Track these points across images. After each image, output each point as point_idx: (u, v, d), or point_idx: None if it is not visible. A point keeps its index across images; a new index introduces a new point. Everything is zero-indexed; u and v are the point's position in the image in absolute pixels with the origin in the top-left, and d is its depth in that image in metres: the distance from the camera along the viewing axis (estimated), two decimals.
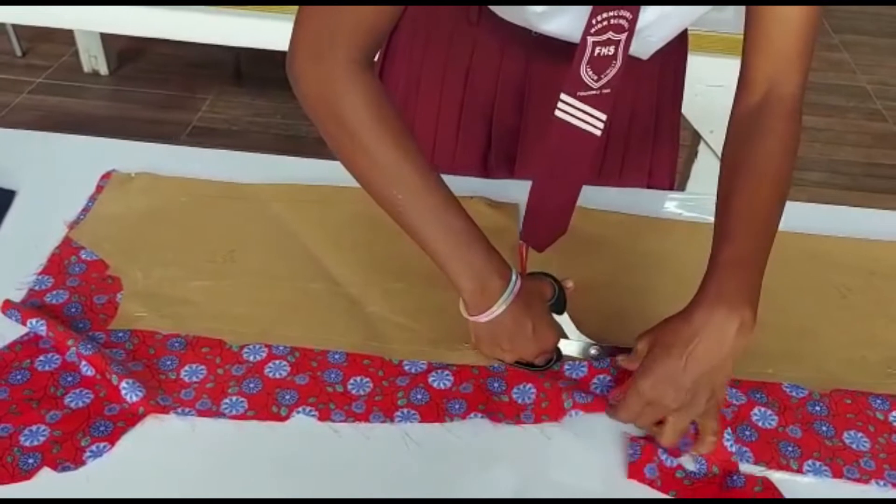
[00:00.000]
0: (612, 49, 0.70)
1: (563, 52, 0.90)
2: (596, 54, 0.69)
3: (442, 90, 0.97)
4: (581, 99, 0.71)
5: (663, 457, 0.67)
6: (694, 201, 1.00)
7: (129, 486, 0.64)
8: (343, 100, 0.66)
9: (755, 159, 0.71)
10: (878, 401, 0.75)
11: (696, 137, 1.75)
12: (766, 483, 0.66)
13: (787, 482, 0.68)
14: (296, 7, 0.67)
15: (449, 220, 0.68)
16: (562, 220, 0.80)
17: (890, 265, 0.93)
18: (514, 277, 0.69)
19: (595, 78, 0.71)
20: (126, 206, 0.92)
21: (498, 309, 0.68)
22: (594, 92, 0.71)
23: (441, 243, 0.68)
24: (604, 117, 0.72)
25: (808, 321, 0.84)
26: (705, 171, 1.74)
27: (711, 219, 0.97)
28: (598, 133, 0.73)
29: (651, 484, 0.66)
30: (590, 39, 0.69)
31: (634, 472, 0.67)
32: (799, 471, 0.68)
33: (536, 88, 0.94)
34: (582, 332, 0.75)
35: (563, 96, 0.71)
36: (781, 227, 0.97)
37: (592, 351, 0.75)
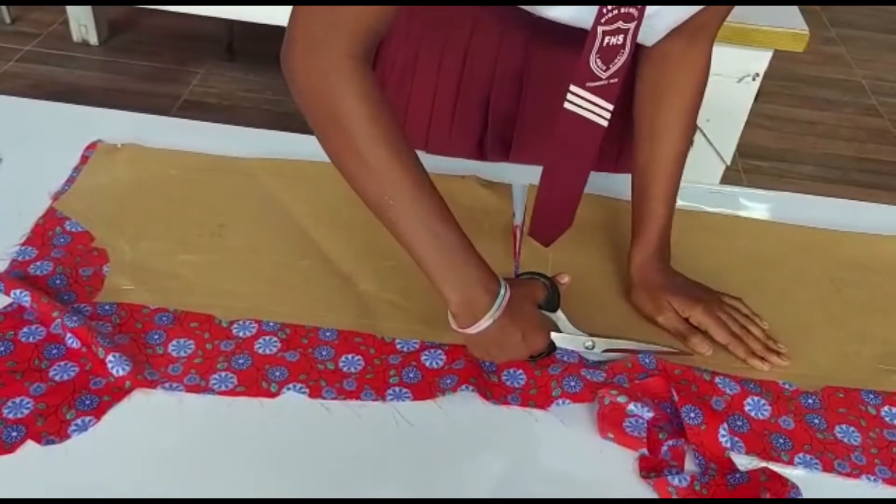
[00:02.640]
0: (620, 38, 0.69)
1: (563, 35, 0.89)
2: (605, 44, 0.69)
3: (439, 71, 0.95)
4: (590, 90, 0.70)
5: (672, 479, 0.66)
6: (688, 189, 1.00)
7: (115, 462, 0.63)
8: (339, 97, 0.64)
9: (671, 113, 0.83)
10: (871, 395, 0.75)
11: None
12: (770, 472, 0.66)
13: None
14: None
15: (439, 230, 0.66)
16: (569, 213, 0.80)
17: (885, 260, 0.92)
18: (501, 291, 0.68)
19: (604, 68, 0.70)
20: (112, 177, 0.91)
21: (485, 323, 0.67)
22: (602, 82, 0.70)
23: (429, 254, 0.67)
24: (610, 107, 0.72)
25: (803, 316, 0.84)
26: (701, 160, 1.73)
27: (707, 207, 0.98)
28: (605, 123, 0.73)
29: (665, 494, 0.65)
30: (600, 29, 0.68)
31: (660, 486, 0.65)
32: (790, 463, 0.68)
33: (535, 73, 0.93)
34: (576, 327, 0.75)
35: (572, 88, 0.70)
36: (777, 218, 0.98)
37: (587, 343, 0.74)
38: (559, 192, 0.77)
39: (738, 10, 1.47)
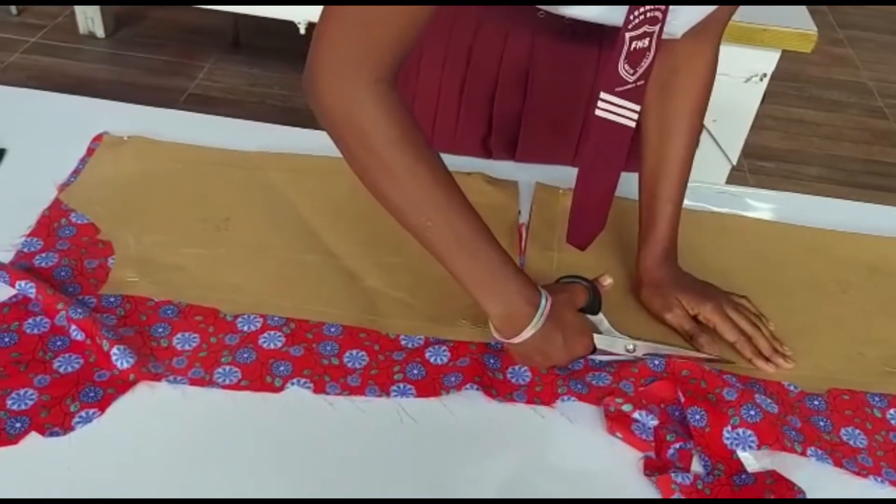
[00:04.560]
0: (646, 41, 0.69)
1: (568, 34, 0.88)
2: (633, 48, 0.69)
3: (443, 70, 0.95)
4: (618, 94, 0.71)
5: (675, 476, 0.65)
6: (695, 189, 0.99)
7: (118, 454, 0.63)
8: (370, 122, 0.63)
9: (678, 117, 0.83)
10: (876, 398, 0.74)
11: None
12: (777, 476, 0.65)
13: (792, 463, 0.67)
14: None
15: (477, 248, 0.67)
16: (602, 215, 0.80)
17: (890, 262, 0.92)
18: (543, 302, 0.68)
19: (631, 72, 0.70)
20: (118, 169, 0.91)
21: (527, 334, 0.68)
22: (630, 85, 0.71)
23: (469, 271, 0.68)
24: (638, 108, 0.72)
25: (809, 317, 0.83)
26: (707, 160, 1.73)
27: (713, 208, 0.97)
28: (633, 125, 0.73)
29: (668, 492, 0.65)
30: (627, 35, 0.68)
31: (663, 484, 0.65)
32: (803, 454, 0.68)
33: (540, 73, 0.93)
34: (618, 330, 0.75)
35: (602, 95, 0.71)
36: (784, 219, 0.97)
37: (629, 346, 0.74)
38: (594, 196, 0.78)
39: (747, 11, 1.47)
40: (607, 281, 0.76)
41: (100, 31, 2.75)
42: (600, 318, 0.74)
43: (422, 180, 0.65)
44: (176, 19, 2.83)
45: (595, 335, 0.73)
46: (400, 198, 0.66)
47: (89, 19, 2.73)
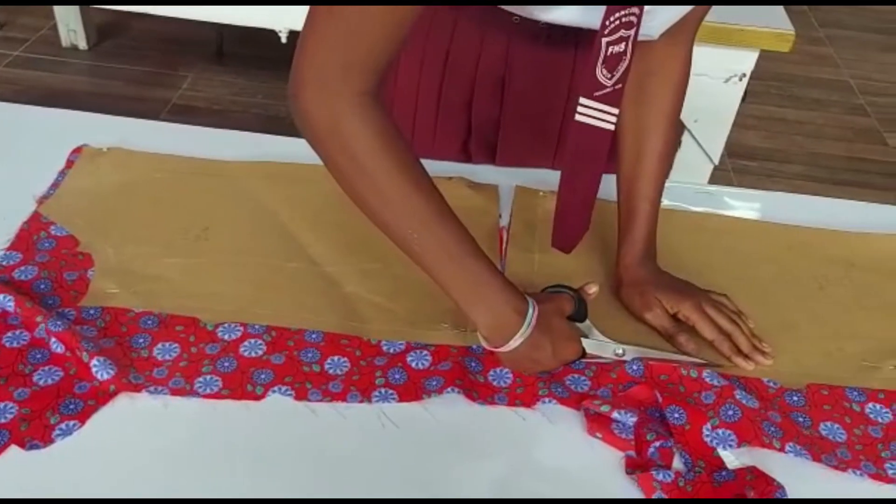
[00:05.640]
0: (623, 46, 0.70)
1: (543, 36, 0.89)
2: (609, 53, 0.70)
3: (420, 75, 0.95)
4: (597, 98, 0.72)
5: (656, 474, 0.66)
6: (674, 189, 1.00)
7: (100, 466, 0.63)
8: (356, 136, 0.64)
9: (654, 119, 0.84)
10: (855, 393, 0.75)
11: (680, 126, 1.75)
12: (757, 472, 0.66)
13: (770, 458, 0.68)
14: None
15: (463, 258, 0.68)
16: (586, 218, 0.81)
17: (868, 257, 0.93)
18: (530, 311, 0.69)
19: (609, 76, 0.71)
20: (97, 181, 0.90)
21: (516, 342, 0.69)
22: (609, 89, 0.71)
23: (456, 282, 0.68)
24: (616, 111, 0.73)
25: (787, 314, 0.84)
26: (689, 160, 1.74)
27: (694, 208, 0.98)
28: (613, 128, 0.74)
29: (649, 490, 0.65)
30: (604, 41, 0.69)
31: (644, 482, 0.66)
32: (781, 450, 0.68)
33: (516, 76, 0.93)
34: (605, 335, 0.76)
35: (581, 100, 0.72)
36: (762, 217, 0.98)
37: (618, 351, 0.75)
38: (576, 199, 0.79)
39: (725, 11, 1.49)
40: (592, 289, 0.76)
41: (82, 44, 2.75)
42: (588, 325, 0.75)
43: (407, 193, 0.66)
44: (159, 30, 2.83)
45: (584, 340, 0.74)
46: (385, 211, 0.67)
47: (72, 32, 2.72)
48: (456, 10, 0.90)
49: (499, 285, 0.69)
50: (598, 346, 0.75)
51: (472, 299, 0.69)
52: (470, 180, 0.96)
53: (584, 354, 0.74)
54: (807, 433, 0.71)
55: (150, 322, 0.74)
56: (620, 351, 0.75)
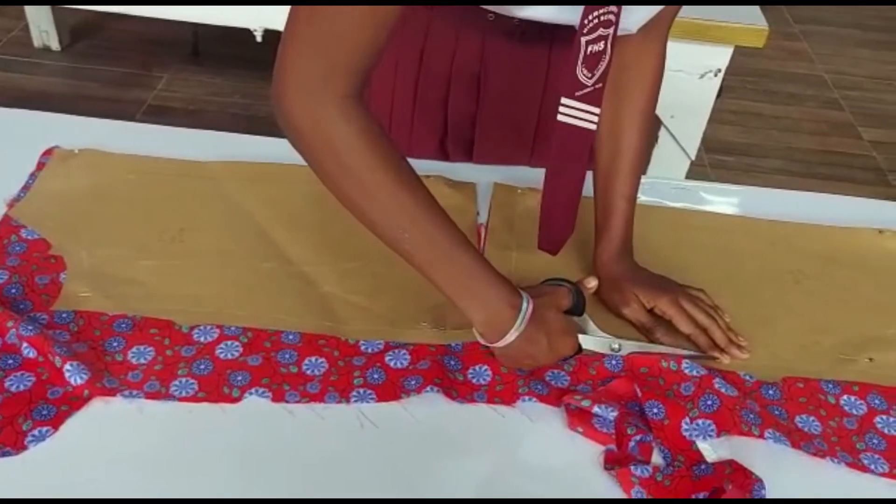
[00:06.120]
0: (602, 45, 0.70)
1: (518, 33, 0.89)
2: (589, 52, 0.70)
3: (396, 73, 0.95)
4: (578, 98, 0.72)
5: (634, 469, 0.66)
6: (651, 185, 1.00)
7: (74, 473, 0.62)
8: (341, 138, 0.63)
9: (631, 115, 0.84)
10: (830, 385, 0.76)
11: (657, 122, 1.76)
12: (735, 465, 0.66)
13: (751, 449, 0.68)
14: None
15: (455, 255, 0.68)
16: (571, 218, 0.81)
17: (844, 251, 0.94)
18: (524, 305, 0.69)
19: (589, 75, 0.71)
20: (69, 183, 0.89)
21: (511, 336, 0.69)
22: (589, 89, 0.72)
23: (448, 279, 0.68)
24: (598, 111, 0.73)
25: (764, 308, 0.84)
26: (666, 156, 1.75)
27: (671, 203, 0.99)
28: (594, 127, 0.74)
29: (628, 485, 0.65)
30: (583, 40, 0.69)
31: (623, 477, 0.66)
32: (760, 437, 0.69)
33: (492, 73, 0.93)
34: (604, 330, 0.76)
35: (563, 100, 0.72)
36: (739, 212, 0.99)
37: (614, 346, 0.75)
38: (561, 199, 0.79)
39: (700, 8, 1.49)
40: (592, 283, 0.76)
41: (55, 45, 2.71)
42: (585, 319, 0.75)
43: (394, 192, 0.65)
44: (133, 30, 2.80)
45: (580, 335, 0.74)
46: (375, 212, 0.67)
47: (44, 32, 2.69)
48: (430, 9, 0.89)
49: (492, 280, 0.69)
50: (595, 341, 0.75)
51: (465, 295, 0.68)
52: (448, 178, 0.96)
53: (580, 350, 0.74)
54: (784, 423, 0.71)
55: (124, 325, 0.73)
56: (617, 345, 0.75)
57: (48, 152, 0.93)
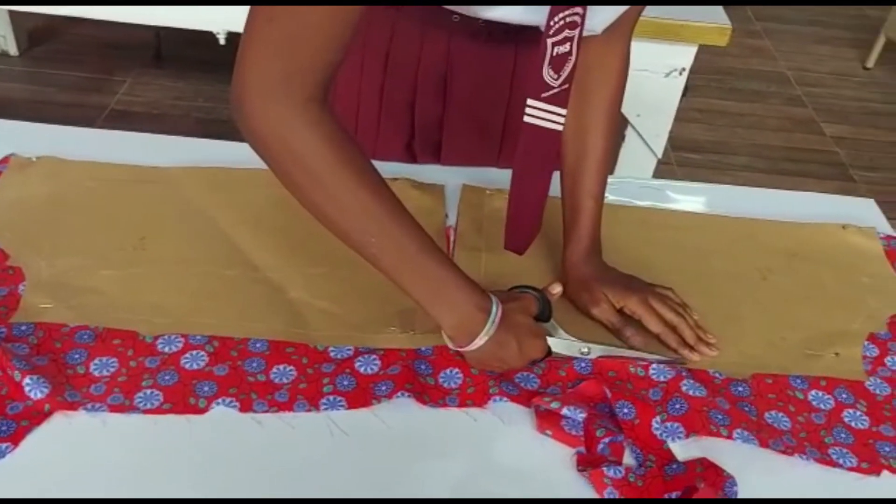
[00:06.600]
0: (568, 46, 0.70)
1: (483, 34, 0.89)
2: (555, 54, 0.70)
3: (361, 75, 0.94)
4: (545, 100, 0.71)
5: (607, 470, 0.66)
6: (618, 184, 1.01)
7: (35, 490, 0.60)
8: (305, 145, 0.62)
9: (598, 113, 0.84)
10: (798, 381, 0.76)
11: (624, 121, 1.77)
12: (707, 463, 0.66)
13: (720, 448, 0.68)
14: None
15: (423, 259, 0.67)
16: (538, 218, 0.81)
17: (809, 247, 0.95)
18: (493, 308, 0.69)
19: (556, 77, 0.71)
20: (27, 191, 0.87)
21: (481, 340, 0.68)
22: (556, 90, 0.71)
23: (417, 284, 0.68)
24: (564, 112, 0.73)
25: (731, 306, 0.85)
26: (633, 155, 1.76)
27: (638, 202, 0.99)
28: (561, 128, 0.74)
29: (601, 486, 0.65)
30: (549, 41, 0.69)
31: (595, 479, 0.65)
32: (729, 437, 0.69)
33: (458, 75, 0.93)
34: (572, 335, 0.76)
35: (529, 101, 0.71)
36: (706, 209, 1.00)
37: (583, 349, 0.75)
38: (528, 200, 0.79)
39: (664, 7, 1.50)
40: (557, 289, 0.76)
41: (13, 49, 2.66)
42: (553, 325, 0.75)
43: (361, 197, 0.64)
44: (94, 34, 2.75)
45: (550, 339, 0.74)
46: (341, 218, 0.66)
47: (1, 37, 2.63)
48: (395, 10, 0.89)
49: (461, 284, 0.68)
50: (565, 344, 0.75)
51: (434, 300, 0.68)
52: (415, 181, 0.95)
53: (549, 353, 0.74)
54: (753, 420, 0.71)
55: (85, 337, 0.72)
56: (586, 349, 0.75)
57: (4, 160, 0.91)
